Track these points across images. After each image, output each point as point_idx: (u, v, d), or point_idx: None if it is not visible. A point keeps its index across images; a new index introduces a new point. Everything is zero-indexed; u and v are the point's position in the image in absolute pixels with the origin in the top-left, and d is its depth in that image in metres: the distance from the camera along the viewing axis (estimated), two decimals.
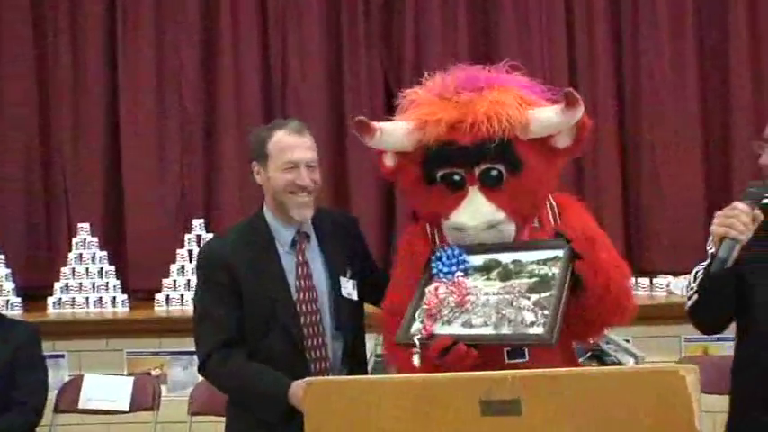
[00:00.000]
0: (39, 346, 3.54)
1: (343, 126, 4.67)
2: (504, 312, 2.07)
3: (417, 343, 2.10)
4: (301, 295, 2.50)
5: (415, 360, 2.08)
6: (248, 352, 2.47)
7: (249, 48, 4.82)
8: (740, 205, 2.07)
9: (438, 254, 2.24)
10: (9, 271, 4.62)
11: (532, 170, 2.22)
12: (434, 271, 2.23)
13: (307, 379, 1.82)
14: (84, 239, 4.60)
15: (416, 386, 1.68)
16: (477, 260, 2.22)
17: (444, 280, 2.20)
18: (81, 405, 3.69)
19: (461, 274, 2.20)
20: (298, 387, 2.31)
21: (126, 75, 4.75)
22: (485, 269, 2.19)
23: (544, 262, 2.13)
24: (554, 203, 2.35)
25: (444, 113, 2.20)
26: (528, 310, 2.05)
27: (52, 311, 4.53)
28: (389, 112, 2.46)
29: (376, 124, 2.26)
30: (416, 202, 2.37)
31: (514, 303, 2.07)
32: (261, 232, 2.54)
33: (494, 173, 2.20)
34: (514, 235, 2.24)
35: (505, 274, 2.16)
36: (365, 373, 2.54)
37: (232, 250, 2.51)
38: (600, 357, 3.32)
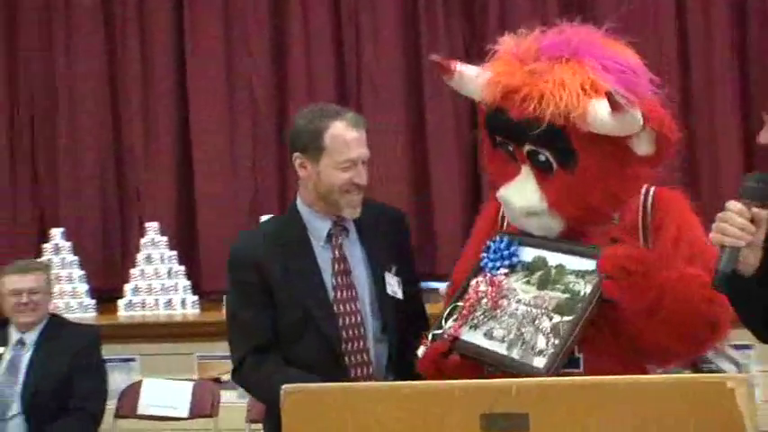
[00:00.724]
0: (98, 351, 3.46)
1: (422, 111, 4.40)
2: (523, 331, 1.99)
3: (430, 337, 2.10)
4: (339, 294, 2.26)
5: (419, 351, 2.09)
6: (283, 356, 2.25)
7: (321, 37, 4.63)
8: (733, 205, 1.68)
9: (489, 244, 2.15)
10: (83, 273, 4.58)
11: (590, 168, 1.97)
12: (482, 263, 2.15)
13: (286, 386, 1.57)
14: (153, 239, 4.50)
15: (408, 395, 1.42)
16: (527, 255, 2.11)
17: (489, 275, 2.12)
18: (140, 411, 3.57)
19: (506, 270, 2.10)
20: None
21: (195, 73, 4.66)
22: (530, 268, 2.08)
23: (582, 275, 1.98)
24: (651, 197, 2.09)
25: (506, 78, 2.00)
26: (543, 335, 1.95)
27: (123, 314, 4.45)
28: None
29: (456, 65, 2.09)
30: (486, 165, 2.22)
31: (536, 322, 1.98)
32: (294, 227, 2.31)
33: (541, 158, 2.01)
34: (560, 231, 2.05)
35: (544, 281, 2.05)
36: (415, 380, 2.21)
37: (263, 248, 2.29)
38: (695, 363, 2.91)
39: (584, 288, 1.95)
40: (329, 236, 2.30)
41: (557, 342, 1.92)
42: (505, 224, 2.21)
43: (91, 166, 4.77)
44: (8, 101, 4.87)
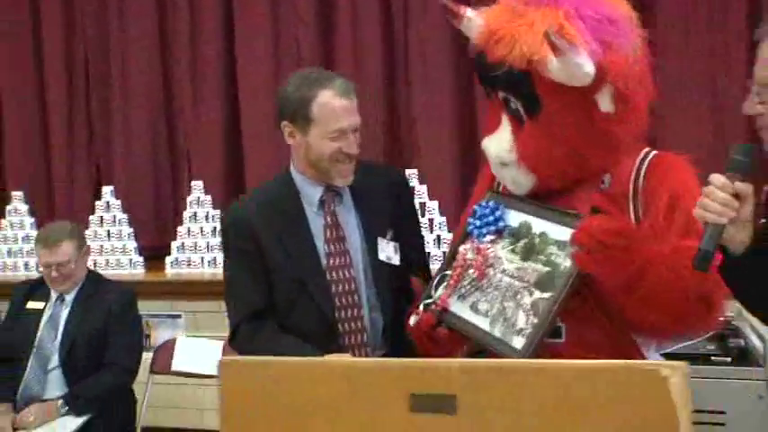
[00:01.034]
0: (132, 308, 3.55)
1: (471, 86, 4.27)
2: (505, 306, 1.96)
3: (421, 307, 2.10)
4: (332, 261, 2.25)
5: (411, 320, 2.10)
6: (279, 323, 2.26)
7: (368, 11, 4.47)
8: (716, 179, 1.57)
9: (475, 209, 2.13)
10: (132, 230, 4.70)
11: (554, 117, 1.92)
12: (469, 229, 2.14)
13: (223, 358, 1.58)
14: (198, 198, 4.57)
15: (342, 372, 1.40)
16: (514, 219, 2.07)
17: (476, 242, 2.10)
18: (174, 368, 3.66)
19: (492, 237, 2.07)
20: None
21: (242, 38, 4.63)
22: (516, 234, 2.04)
23: (563, 246, 1.91)
24: (647, 162, 2.01)
25: (491, 21, 1.97)
26: (524, 311, 1.91)
27: (169, 271, 4.55)
28: None
29: (465, 11, 2.05)
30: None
31: (517, 297, 1.94)
32: (287, 193, 2.30)
33: (513, 105, 1.98)
34: (531, 187, 2.02)
35: (528, 251, 2.00)
36: (410, 352, 2.15)
37: (256, 214, 2.28)
38: (723, 337, 2.80)
39: (564, 261, 1.90)
40: (321, 202, 2.28)
41: (535, 321, 1.88)
42: (499, 185, 2.16)
43: (143, 126, 4.86)
44: (65, 64, 4.99)
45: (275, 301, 2.26)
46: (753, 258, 1.59)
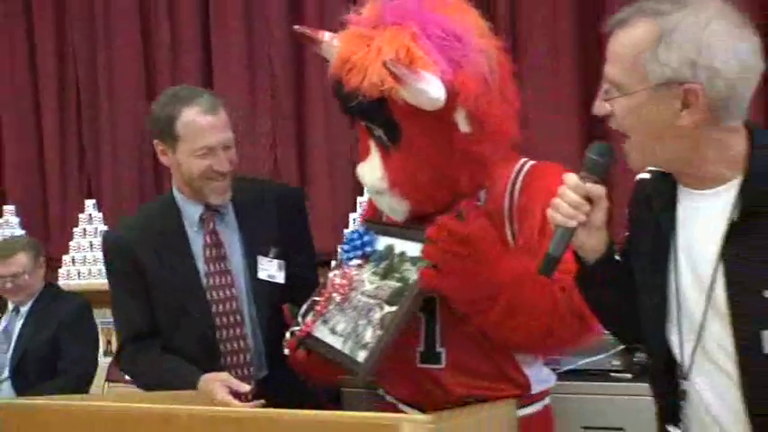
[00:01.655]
0: (85, 318, 3.65)
1: None
2: (359, 323, 1.93)
3: (288, 336, 2.10)
4: (212, 281, 2.28)
5: (286, 350, 2.08)
6: (163, 344, 2.30)
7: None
8: (569, 179, 1.48)
9: (346, 236, 2.15)
10: None
11: (414, 142, 1.89)
12: (340, 255, 2.15)
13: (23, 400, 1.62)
14: None
15: (108, 417, 1.40)
16: (382, 243, 2.06)
17: (344, 267, 2.09)
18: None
19: (359, 261, 2.06)
20: (206, 382, 2.13)
21: (218, 50, 4.68)
22: (381, 257, 2.03)
23: (415, 261, 1.89)
24: (522, 174, 1.96)
25: (343, 48, 1.90)
26: (372, 326, 1.89)
27: None
28: None
29: (321, 35, 2.00)
30: None
31: (370, 314, 1.92)
32: (169, 213, 2.32)
33: (376, 133, 1.94)
34: (407, 213, 1.97)
35: (388, 270, 1.99)
36: (289, 374, 2.15)
37: (135, 236, 2.31)
38: (630, 351, 2.72)
39: (413, 275, 1.89)
40: (202, 221, 2.29)
41: (380, 334, 1.86)
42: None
43: (129, 137, 4.91)
44: (58, 79, 5.11)
45: (159, 318, 2.29)
46: (604, 268, 1.53)
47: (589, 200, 1.47)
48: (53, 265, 4.44)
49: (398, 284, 1.91)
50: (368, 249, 2.06)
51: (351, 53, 1.87)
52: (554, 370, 2.45)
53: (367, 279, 2.02)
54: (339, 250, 2.16)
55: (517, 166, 1.97)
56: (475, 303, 1.82)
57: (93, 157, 5.08)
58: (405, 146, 1.89)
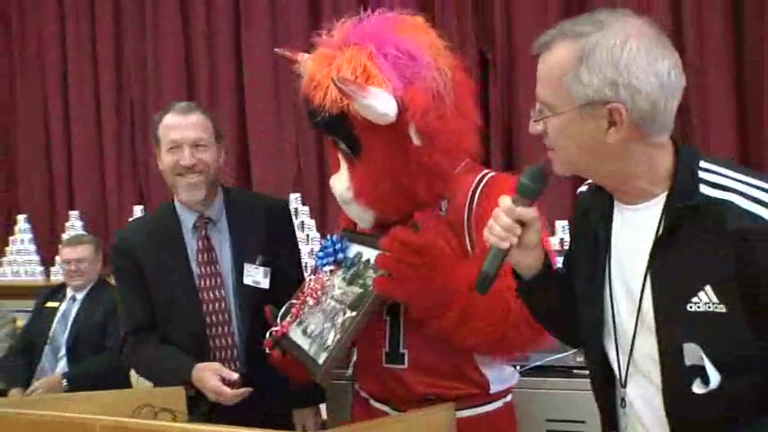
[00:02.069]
0: None
1: None
2: (325, 326, 2.03)
3: (267, 336, 2.23)
4: (203, 282, 2.46)
5: (267, 350, 2.22)
6: (161, 336, 2.49)
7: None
8: (503, 202, 1.53)
9: (321, 243, 2.27)
10: None
11: (373, 155, 2.00)
12: (315, 261, 2.25)
13: None
14: None
15: (33, 423, 1.56)
16: (353, 251, 2.17)
17: (319, 272, 2.21)
18: None
19: (331, 267, 2.17)
20: (198, 370, 2.33)
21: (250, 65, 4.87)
22: (351, 264, 2.13)
23: (376, 268, 1.99)
24: (482, 186, 2.04)
25: (311, 67, 2.02)
26: (335, 330, 2.00)
27: None
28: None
29: (301, 56, 2.12)
30: None
31: (335, 318, 2.01)
32: (169, 219, 2.52)
33: (342, 146, 2.06)
34: (372, 221, 2.09)
35: (354, 277, 2.09)
36: (269, 372, 2.29)
37: (139, 238, 2.52)
38: None
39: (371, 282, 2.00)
40: (196, 227, 2.49)
41: (339, 338, 1.97)
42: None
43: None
44: (116, 93, 5.40)
45: (157, 314, 2.48)
46: (541, 282, 1.61)
47: (522, 222, 1.52)
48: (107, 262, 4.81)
49: (360, 290, 2.02)
50: (340, 256, 2.18)
51: (316, 72, 2.00)
52: (522, 367, 2.58)
53: (336, 284, 2.14)
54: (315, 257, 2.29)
55: (478, 177, 2.04)
56: (429, 310, 1.93)
57: (143, 166, 5.37)
58: (365, 158, 2.00)
